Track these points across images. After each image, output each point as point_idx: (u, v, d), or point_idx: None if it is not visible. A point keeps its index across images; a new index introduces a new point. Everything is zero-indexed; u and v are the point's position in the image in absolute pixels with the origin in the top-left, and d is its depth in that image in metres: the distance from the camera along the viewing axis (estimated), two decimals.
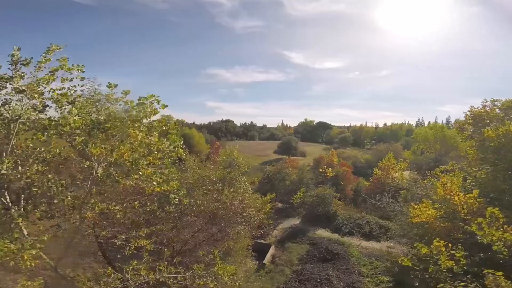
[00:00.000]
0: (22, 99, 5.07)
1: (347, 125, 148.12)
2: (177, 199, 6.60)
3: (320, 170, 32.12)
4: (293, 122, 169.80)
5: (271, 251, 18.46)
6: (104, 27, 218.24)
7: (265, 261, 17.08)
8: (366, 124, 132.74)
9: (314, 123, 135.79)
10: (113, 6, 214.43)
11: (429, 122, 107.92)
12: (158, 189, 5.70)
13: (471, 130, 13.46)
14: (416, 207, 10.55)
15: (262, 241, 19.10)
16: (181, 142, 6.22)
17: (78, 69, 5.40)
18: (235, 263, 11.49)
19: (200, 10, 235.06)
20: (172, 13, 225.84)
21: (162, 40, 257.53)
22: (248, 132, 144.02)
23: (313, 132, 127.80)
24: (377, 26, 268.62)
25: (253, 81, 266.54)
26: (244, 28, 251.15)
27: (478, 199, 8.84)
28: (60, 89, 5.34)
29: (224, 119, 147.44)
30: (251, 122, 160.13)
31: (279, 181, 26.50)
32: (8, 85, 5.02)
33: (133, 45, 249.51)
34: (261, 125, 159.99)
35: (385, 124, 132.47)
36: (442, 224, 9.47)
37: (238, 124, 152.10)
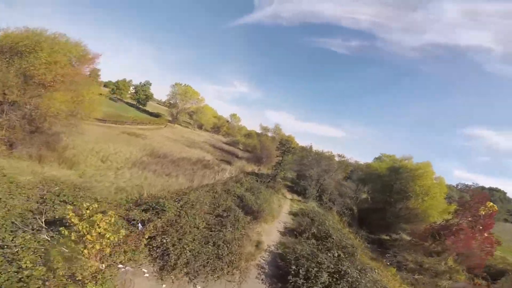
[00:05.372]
0: None
1: None
2: None
3: None
4: None
5: None
6: (349, 75, 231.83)
7: None
8: None
9: None
10: (363, 56, 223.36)
11: None
12: None
13: None
14: None
15: None
16: None
17: None
18: None
19: (458, 57, 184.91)
20: (423, 61, 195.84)
21: (408, 91, 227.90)
22: None
23: None
24: None
25: None
26: None
27: None
28: None
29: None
30: None
31: None
32: None
33: (375, 95, 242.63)
34: None
35: None
36: None
37: None
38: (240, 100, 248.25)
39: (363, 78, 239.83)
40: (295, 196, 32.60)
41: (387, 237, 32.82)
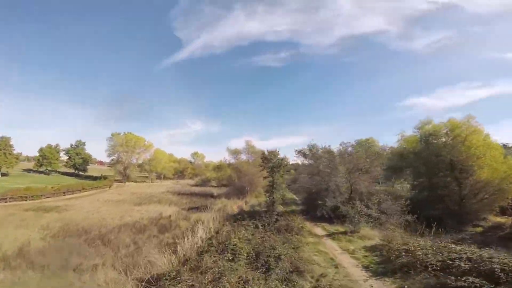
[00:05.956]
0: None
1: None
2: None
3: None
4: None
5: None
6: (289, 83, 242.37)
7: None
8: None
9: None
10: (294, 64, 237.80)
11: None
12: None
13: None
14: None
15: None
16: None
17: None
18: None
19: (366, 44, 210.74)
20: (342, 55, 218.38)
21: (341, 83, 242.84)
22: None
23: None
24: None
25: (471, 100, 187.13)
26: (429, 45, 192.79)
27: None
28: None
29: None
30: None
31: None
32: None
33: (318, 95, 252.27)
34: None
35: None
36: None
37: None
38: (199, 139, 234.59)
39: (301, 83, 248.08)
40: (327, 226, 19.35)
41: (479, 228, 21.10)
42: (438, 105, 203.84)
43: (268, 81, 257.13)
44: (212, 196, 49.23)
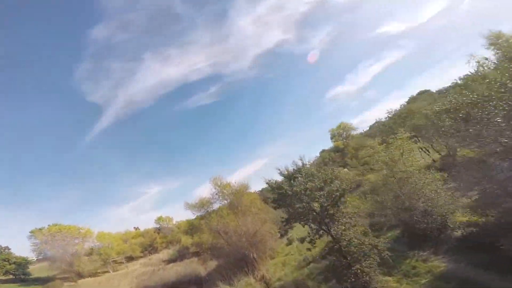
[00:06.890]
0: None
1: None
2: None
3: None
4: None
5: None
6: (229, 115, 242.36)
7: None
8: None
9: None
10: (226, 95, 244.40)
11: None
12: None
13: None
14: None
15: None
16: None
17: None
18: None
19: (277, 56, 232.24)
20: (263, 73, 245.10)
21: (273, 98, 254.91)
22: None
23: None
24: None
25: (373, 76, 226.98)
26: (321, 40, 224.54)
27: None
28: None
29: None
30: None
31: None
32: None
33: (260, 115, 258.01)
34: None
35: None
36: None
37: None
38: (162, 201, 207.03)
39: (240, 110, 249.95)
40: None
41: None
42: (351, 89, 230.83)
43: (210, 118, 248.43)
44: (199, 282, 30.72)
